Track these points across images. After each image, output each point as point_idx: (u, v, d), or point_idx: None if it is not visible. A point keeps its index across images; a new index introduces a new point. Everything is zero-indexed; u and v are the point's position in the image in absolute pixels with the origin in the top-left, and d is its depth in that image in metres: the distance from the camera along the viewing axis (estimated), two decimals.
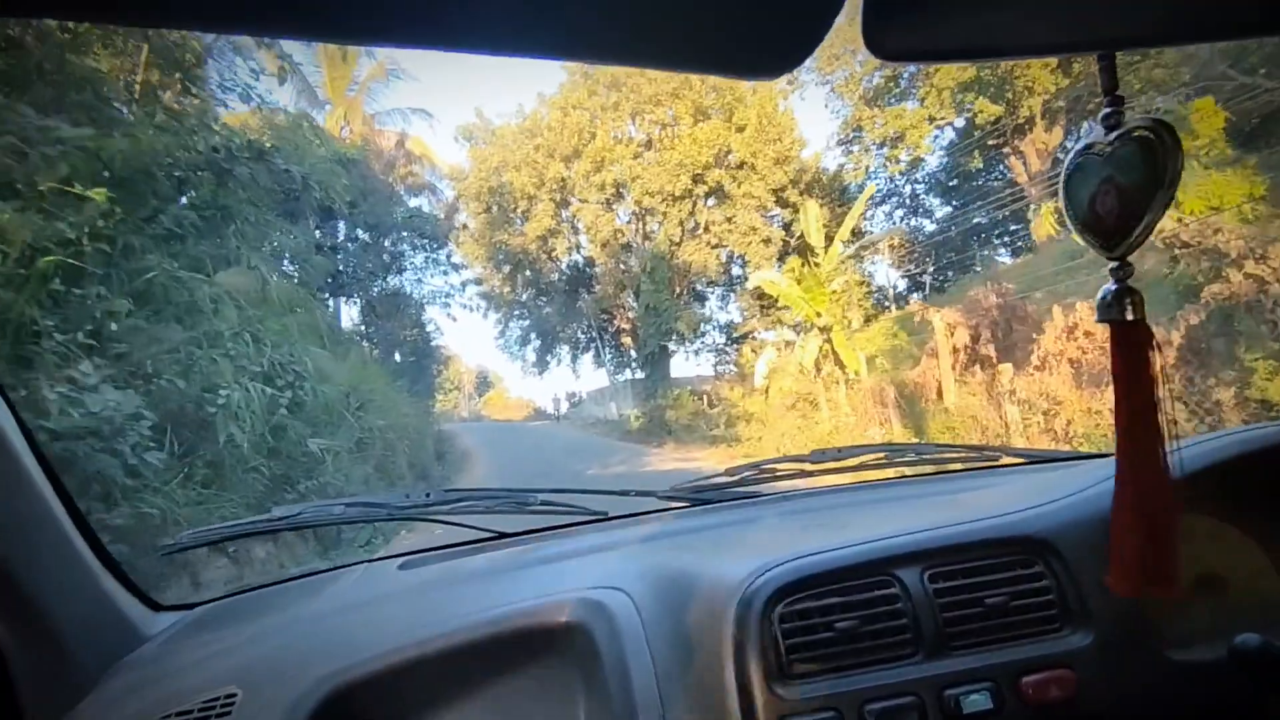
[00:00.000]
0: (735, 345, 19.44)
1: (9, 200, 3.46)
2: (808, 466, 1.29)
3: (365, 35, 0.35)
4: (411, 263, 16.73)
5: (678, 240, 18.64)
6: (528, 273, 20.94)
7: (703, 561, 0.99)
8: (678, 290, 18.94)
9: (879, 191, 20.05)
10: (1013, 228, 18.84)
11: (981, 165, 18.43)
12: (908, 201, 21.51)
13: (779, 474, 1.31)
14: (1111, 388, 0.53)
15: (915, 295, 18.94)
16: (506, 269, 20.82)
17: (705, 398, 15.98)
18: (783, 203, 18.49)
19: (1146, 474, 0.52)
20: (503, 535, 1.27)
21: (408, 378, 14.01)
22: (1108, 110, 0.50)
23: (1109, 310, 0.51)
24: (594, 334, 21.62)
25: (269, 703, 0.82)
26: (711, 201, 18.80)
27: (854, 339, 11.88)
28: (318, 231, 12.41)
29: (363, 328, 15.67)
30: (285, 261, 6.70)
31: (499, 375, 40.97)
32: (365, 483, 7.34)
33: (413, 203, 17.33)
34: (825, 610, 0.82)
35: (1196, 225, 5.38)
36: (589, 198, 18.78)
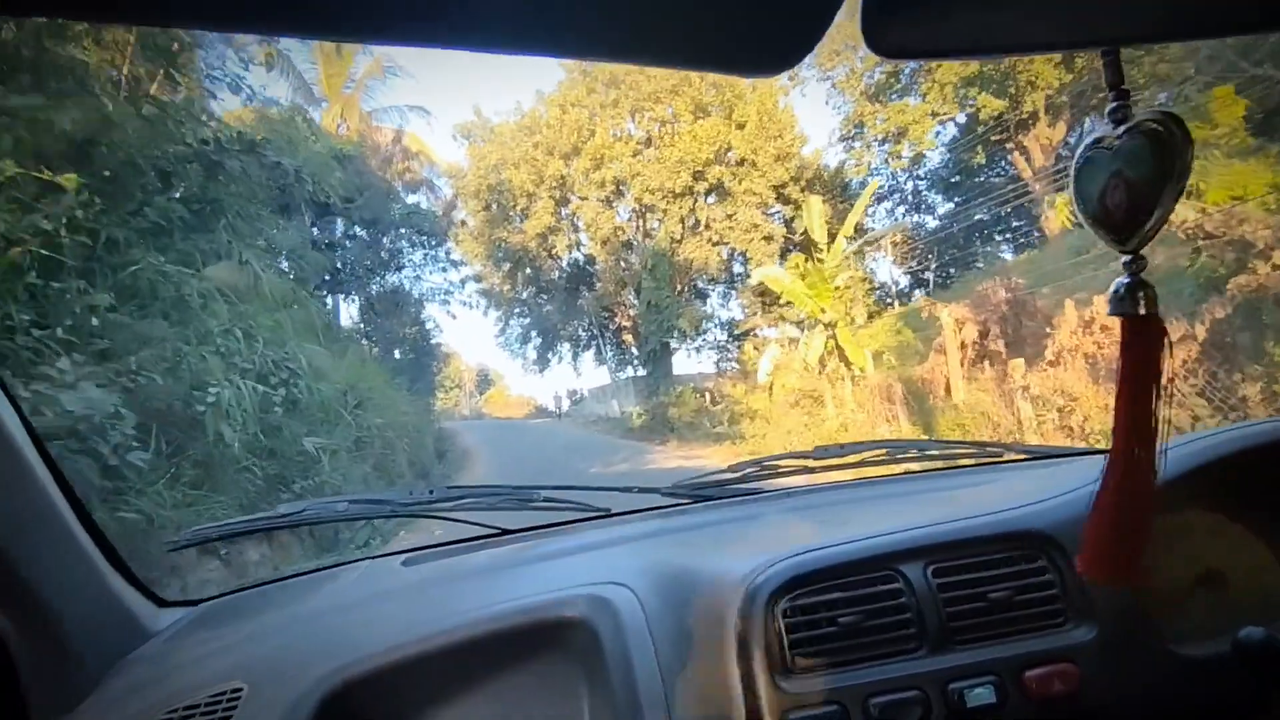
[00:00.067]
0: (737, 342, 19.34)
1: None
2: (810, 463, 1.30)
3: (364, 34, 0.34)
4: (410, 260, 16.62)
5: (679, 237, 18.53)
6: (528, 270, 20.83)
7: (706, 557, 0.99)
8: (679, 287, 18.83)
9: (881, 188, 19.91)
10: (1017, 223, 18.71)
11: (984, 161, 18.27)
12: (910, 198, 21.39)
13: (781, 470, 1.31)
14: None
15: (918, 292, 18.83)
16: (506, 267, 20.71)
17: (708, 395, 15.84)
18: (784, 199, 18.38)
19: (1135, 469, 0.52)
20: (505, 532, 1.27)
21: (407, 376, 13.89)
22: (1114, 104, 0.49)
23: (1121, 304, 0.50)
24: (595, 331, 21.50)
25: (274, 698, 0.82)
26: (712, 199, 18.70)
27: (858, 335, 11.72)
28: (315, 229, 12.27)
29: (362, 325, 15.55)
30: (280, 257, 6.53)
31: (500, 373, 40.89)
32: (364, 482, 7.22)
33: (410, 199, 17.19)
34: (829, 605, 0.83)
35: (1220, 216, 5.22)
36: (589, 195, 18.66)
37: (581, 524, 1.28)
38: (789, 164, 18.14)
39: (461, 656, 0.86)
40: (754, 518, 1.22)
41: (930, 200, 21.20)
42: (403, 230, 15.67)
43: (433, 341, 17.59)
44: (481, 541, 1.26)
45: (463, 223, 20.32)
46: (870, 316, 14.01)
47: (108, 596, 1.00)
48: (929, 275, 18.93)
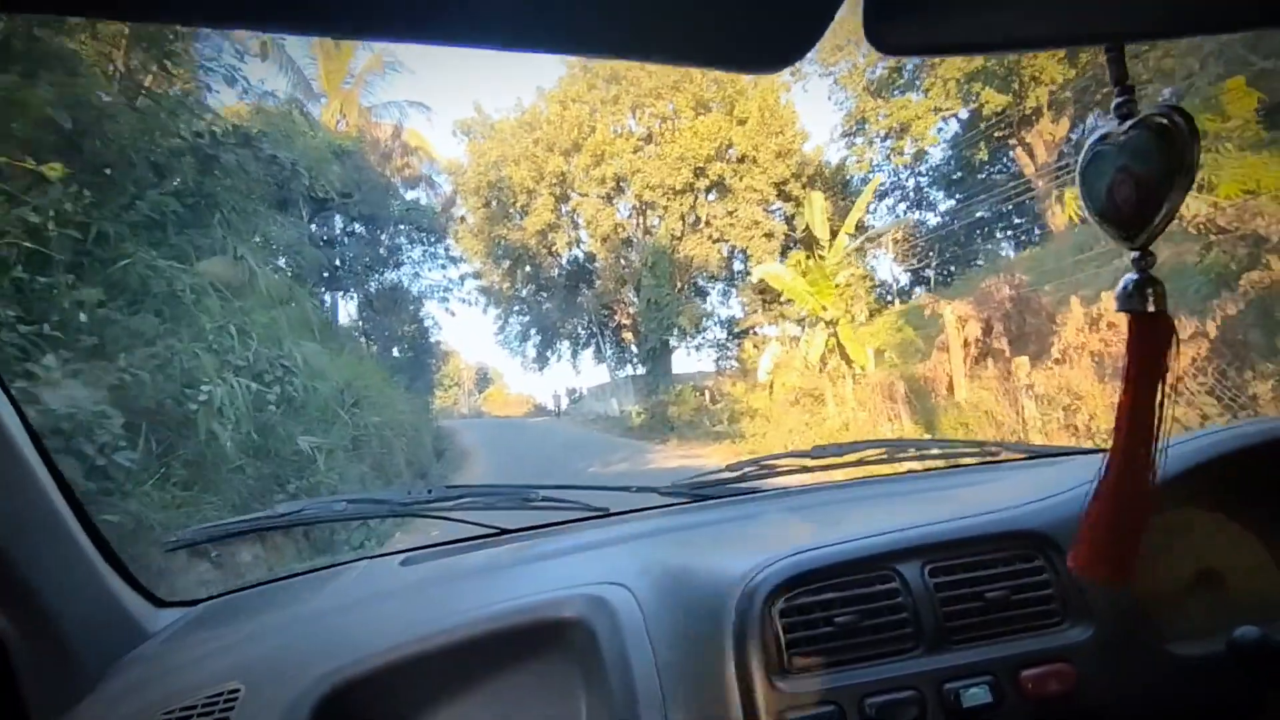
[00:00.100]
0: (737, 341, 19.29)
1: None
2: (808, 462, 1.30)
3: (364, 31, 0.34)
4: (409, 256, 16.57)
5: (679, 234, 18.48)
6: (527, 268, 20.79)
7: (704, 557, 1.00)
8: (679, 285, 18.78)
9: (883, 185, 19.83)
10: (1020, 220, 18.63)
11: (987, 157, 18.17)
12: (911, 195, 21.30)
13: (780, 470, 1.31)
14: None
15: (918, 289, 18.76)
16: (506, 264, 20.67)
17: (707, 393, 15.77)
18: (785, 196, 18.34)
19: (1134, 468, 0.52)
20: (504, 531, 1.27)
21: (405, 374, 13.84)
22: (1120, 100, 0.49)
23: (1129, 301, 0.50)
24: (594, 329, 21.45)
25: (272, 698, 0.82)
26: (713, 195, 18.67)
27: (859, 333, 11.63)
28: (313, 225, 12.17)
29: (360, 323, 15.47)
30: (276, 253, 6.43)
31: (499, 371, 40.85)
32: (361, 481, 7.15)
33: (410, 195, 17.11)
34: (826, 605, 0.83)
35: (1233, 210, 5.13)
36: (589, 192, 18.60)
37: (580, 524, 1.28)
38: (790, 161, 18.09)
39: (460, 656, 0.86)
40: (752, 517, 1.22)
41: (932, 197, 21.14)
42: (402, 226, 15.59)
43: (431, 339, 17.55)
44: (480, 541, 1.26)
45: (462, 219, 20.26)
46: (871, 314, 13.94)
47: (106, 597, 1.00)
48: (930, 273, 18.83)
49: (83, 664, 0.93)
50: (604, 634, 0.85)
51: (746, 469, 1.30)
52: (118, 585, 1.03)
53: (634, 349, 20.57)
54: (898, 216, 20.74)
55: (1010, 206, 17.77)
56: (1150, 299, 0.49)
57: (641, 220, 19.34)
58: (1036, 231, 17.65)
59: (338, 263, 13.88)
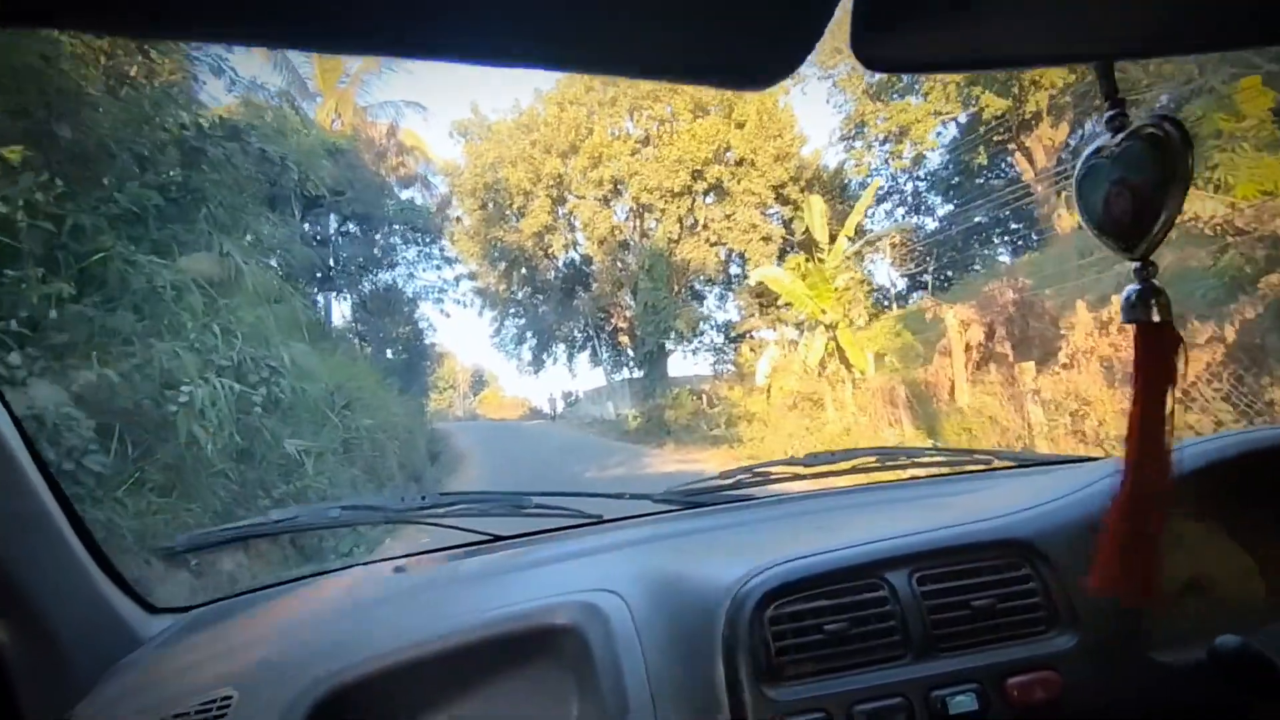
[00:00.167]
0: (733, 344, 19.19)
1: None
2: (801, 470, 1.32)
3: (351, 44, 0.34)
4: (404, 257, 16.37)
5: (676, 238, 18.38)
6: (524, 270, 20.66)
7: (695, 564, 1.01)
8: (676, 288, 18.66)
9: (881, 189, 19.73)
10: (1019, 225, 18.57)
11: (986, 162, 18.11)
12: (910, 199, 21.23)
13: (773, 477, 1.33)
14: None
15: (915, 294, 18.70)
16: (502, 266, 20.56)
17: (704, 397, 15.62)
18: (783, 200, 18.27)
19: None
20: (497, 538, 1.27)
21: (399, 376, 13.64)
22: (1111, 113, 0.49)
23: (1133, 311, 0.50)
24: (591, 332, 21.32)
25: (265, 705, 0.82)
26: (711, 198, 18.57)
27: (858, 337, 11.50)
28: (305, 224, 11.99)
29: (355, 324, 15.28)
30: (265, 250, 6.25)
31: (494, 374, 40.57)
32: (352, 485, 6.97)
33: (404, 195, 16.93)
34: (815, 612, 0.83)
35: (1251, 211, 5.01)
36: (586, 194, 18.49)
37: (573, 530, 1.28)
38: (788, 164, 18.04)
39: (453, 663, 0.86)
40: (744, 524, 1.24)
41: (930, 202, 21.08)
42: (396, 226, 15.40)
43: (426, 341, 17.37)
44: (473, 548, 1.26)
45: (458, 219, 20.12)
46: (871, 318, 13.84)
47: (99, 602, 1.00)
48: (927, 278, 18.77)
49: (76, 670, 0.93)
50: (596, 641, 0.85)
51: (740, 476, 1.31)
52: (111, 591, 1.03)
53: (630, 352, 20.46)
54: (896, 221, 20.68)
55: (1009, 211, 17.70)
56: (1155, 308, 0.49)
57: (639, 223, 19.24)
58: (1034, 237, 17.61)
59: (331, 262, 13.69)
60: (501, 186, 18.91)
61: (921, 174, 20.51)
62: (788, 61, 0.34)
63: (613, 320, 20.77)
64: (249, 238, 6.11)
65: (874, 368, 10.69)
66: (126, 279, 3.94)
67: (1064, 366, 6.35)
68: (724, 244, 18.34)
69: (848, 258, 12.07)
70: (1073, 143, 16.47)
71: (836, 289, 11.01)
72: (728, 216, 18.02)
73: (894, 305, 17.66)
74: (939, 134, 18.41)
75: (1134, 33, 0.39)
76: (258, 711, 0.82)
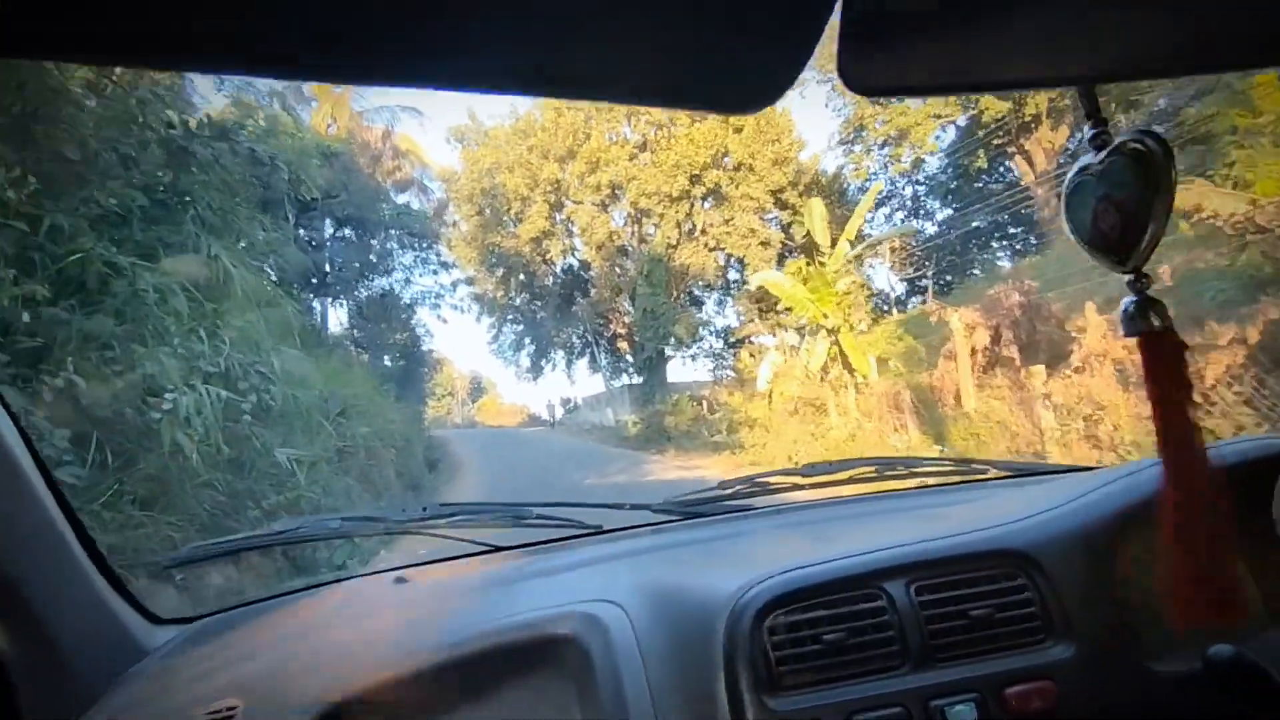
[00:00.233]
0: (733, 350, 19.08)
1: None
2: (800, 480, 1.33)
3: (343, 74, 0.36)
4: (400, 262, 16.23)
5: (675, 243, 18.31)
6: (521, 276, 20.57)
7: (695, 575, 1.02)
8: (675, 294, 18.56)
9: (880, 193, 19.63)
10: (1020, 228, 18.49)
11: (986, 165, 18.04)
12: (909, 203, 21.16)
13: (772, 487, 1.33)
14: None
15: (914, 299, 18.62)
16: (500, 272, 20.47)
17: (704, 403, 15.48)
18: (781, 204, 18.20)
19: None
20: (498, 549, 1.28)
21: (396, 383, 13.47)
22: (1093, 132, 0.50)
23: (1134, 323, 0.51)
24: (590, 338, 21.20)
25: (270, 715, 0.83)
26: (709, 203, 18.51)
27: (860, 342, 11.36)
28: (300, 229, 11.81)
29: (352, 331, 15.12)
30: (255, 254, 6.08)
31: (492, 381, 40.37)
32: (347, 495, 6.82)
33: (400, 199, 16.79)
34: (814, 623, 0.84)
35: (1273, 208, 4.87)
36: (584, 199, 18.40)
37: (573, 541, 1.29)
38: (787, 168, 18.00)
39: (454, 673, 0.86)
40: (744, 534, 1.25)
41: (929, 206, 21.01)
42: (392, 231, 15.25)
43: (423, 347, 17.23)
44: (473, 559, 1.27)
45: (455, 224, 20.03)
46: (874, 322, 13.72)
47: (104, 613, 1.00)
48: (927, 282, 18.68)
49: (81, 681, 0.93)
50: (597, 651, 0.86)
51: (738, 486, 1.32)
52: (116, 602, 1.02)
53: (629, 358, 20.36)
54: (895, 225, 20.60)
55: (1008, 215, 17.63)
56: (1154, 317, 0.49)
57: (637, 228, 19.17)
58: (1033, 241, 17.54)
59: (326, 268, 13.54)
60: (499, 192, 18.85)
61: (921, 178, 20.46)
62: (775, 87, 0.35)
63: (611, 326, 20.66)
64: (243, 244, 5.96)
65: (877, 373, 10.55)
66: (107, 282, 3.77)
67: (1076, 370, 6.20)
68: (722, 249, 18.28)
69: (848, 262, 11.95)
70: (1072, 146, 16.40)
71: (838, 293, 10.88)
72: (726, 221, 17.96)
73: (893, 310, 17.56)
74: (938, 137, 18.37)
75: (1116, 56, 0.40)
76: None
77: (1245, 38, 0.39)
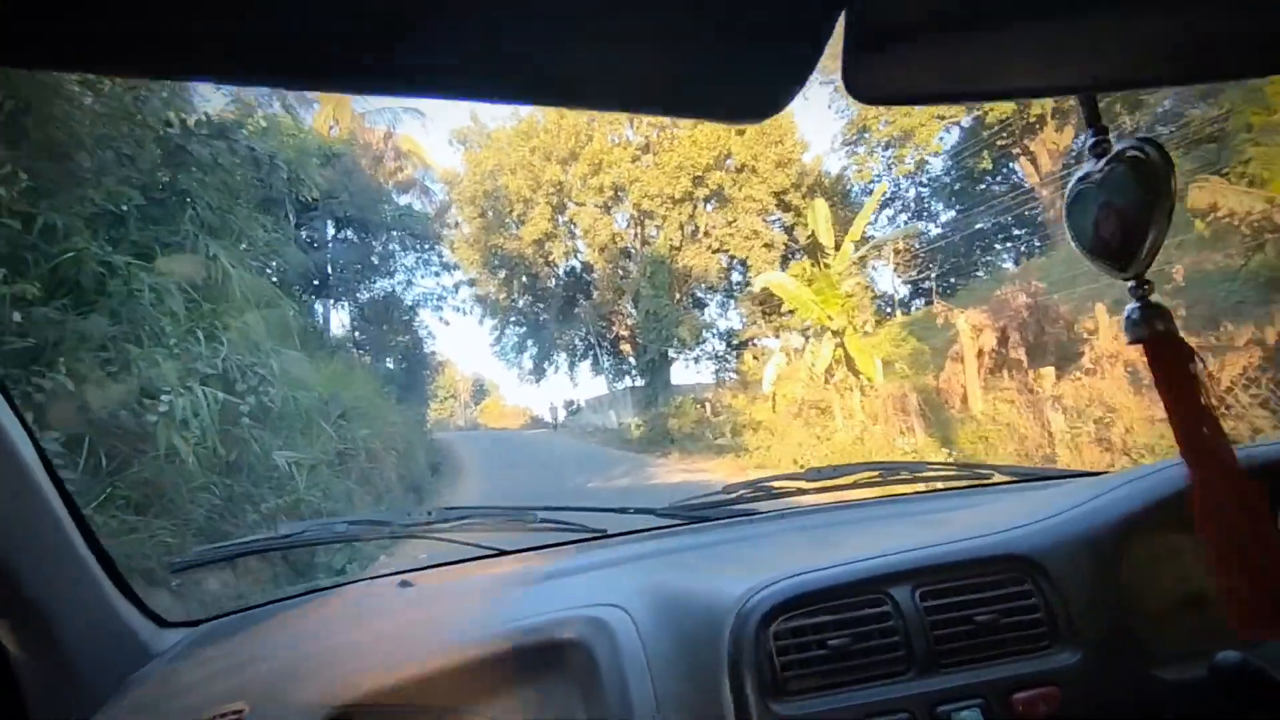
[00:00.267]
0: (736, 352, 19.01)
1: None
2: (804, 485, 1.33)
3: (343, 83, 0.36)
4: (402, 264, 16.14)
5: (678, 245, 18.27)
6: (524, 278, 20.54)
7: (700, 579, 1.03)
8: (678, 296, 18.50)
9: (884, 194, 19.55)
10: (1023, 230, 18.40)
11: (990, 166, 17.95)
12: (912, 205, 21.09)
13: (776, 491, 1.33)
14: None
15: (916, 301, 18.54)
16: (502, 274, 20.44)
17: (708, 406, 15.40)
18: (784, 206, 18.14)
19: (1231, 495, 0.48)
20: (503, 553, 1.28)
21: (398, 385, 13.39)
22: (1094, 140, 0.51)
23: (1137, 329, 0.51)
24: (592, 341, 21.14)
25: (276, 718, 0.83)
26: (712, 205, 18.46)
27: (865, 343, 11.26)
28: (301, 230, 11.75)
29: (354, 333, 15.06)
30: (255, 254, 6.00)
31: (495, 383, 40.32)
32: (348, 498, 6.74)
33: (402, 200, 16.73)
34: (819, 628, 0.84)
35: None
36: (586, 201, 18.36)
37: (578, 545, 1.29)
38: (790, 170, 17.96)
39: (459, 677, 0.87)
40: (748, 539, 1.25)
41: (933, 208, 20.93)
42: (394, 232, 15.18)
43: (426, 349, 17.14)
44: (479, 562, 1.27)
45: (457, 225, 20.00)
46: (879, 323, 13.63)
47: (111, 617, 1.00)
48: (930, 284, 18.59)
49: (89, 683, 0.93)
50: (602, 656, 0.86)
51: (743, 491, 1.32)
52: (123, 605, 1.03)
53: (632, 360, 20.30)
54: (898, 227, 20.52)
55: (1012, 216, 17.53)
56: (1158, 322, 0.50)
57: (640, 230, 19.12)
58: (1037, 242, 17.44)
59: (328, 269, 13.48)
60: (501, 194, 18.84)
61: (925, 179, 20.39)
62: (781, 96, 0.35)
63: (614, 328, 20.61)
64: (243, 244, 5.88)
65: (882, 375, 10.45)
66: (102, 281, 3.70)
67: (1086, 372, 6.11)
68: (726, 251, 18.24)
69: (854, 263, 11.87)
70: (1077, 146, 16.30)
71: (843, 295, 10.79)
72: (729, 223, 17.92)
73: (896, 312, 17.47)
74: (942, 138, 18.29)
75: (1118, 65, 0.40)
76: None
77: (1246, 45, 0.39)
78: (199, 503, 3.93)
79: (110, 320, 3.66)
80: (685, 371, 21.70)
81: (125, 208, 4.12)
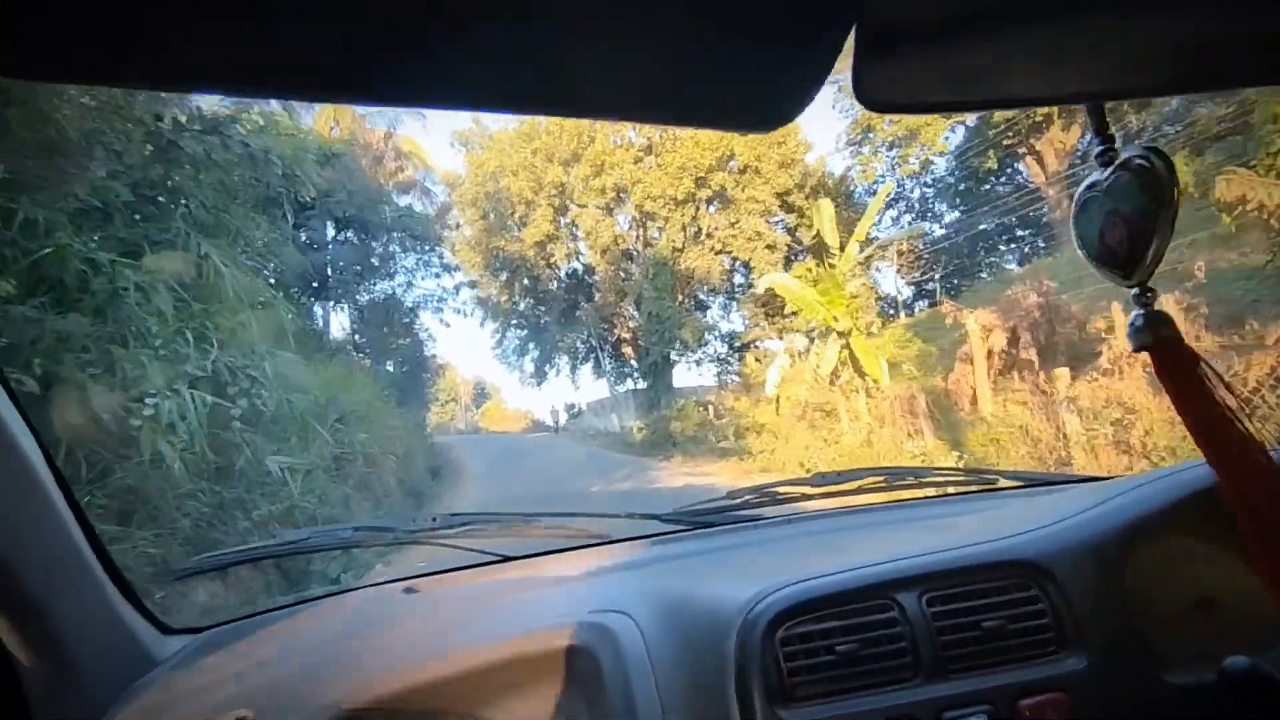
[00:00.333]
0: (738, 354, 18.87)
1: None
2: (809, 490, 1.32)
3: (346, 95, 0.35)
4: (402, 265, 16.01)
5: (680, 246, 18.15)
6: (525, 280, 20.43)
7: (705, 585, 1.02)
8: (680, 298, 18.37)
9: (889, 195, 19.41)
10: (1028, 231, 18.26)
11: (996, 166, 17.80)
12: (917, 205, 20.94)
13: (780, 497, 1.32)
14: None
15: (921, 303, 18.39)
16: (504, 276, 20.33)
17: (710, 408, 15.25)
18: (787, 207, 18.02)
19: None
20: (506, 559, 1.28)
21: (398, 388, 13.26)
22: (1100, 149, 0.51)
23: (1141, 337, 0.51)
24: (594, 343, 21.00)
25: None
26: (714, 207, 18.33)
27: (871, 345, 11.09)
28: (299, 231, 11.62)
29: (354, 336, 14.92)
30: (251, 253, 5.85)
31: (496, 386, 40.17)
32: (345, 504, 6.61)
33: (402, 201, 16.62)
34: (826, 634, 0.84)
35: None
36: (588, 203, 18.25)
37: (582, 551, 1.29)
38: (793, 171, 17.83)
39: (464, 684, 0.87)
40: (753, 544, 1.24)
41: (938, 208, 20.78)
42: (395, 234, 15.05)
43: (426, 352, 17.00)
44: (483, 569, 1.27)
45: (458, 227, 19.91)
46: (884, 324, 13.48)
47: (115, 623, 0.99)
48: (934, 284, 18.44)
49: (92, 690, 0.93)
50: (607, 662, 0.86)
51: (748, 496, 1.31)
52: (127, 611, 1.02)
53: (634, 363, 20.16)
54: (903, 227, 20.38)
55: (1017, 217, 17.39)
56: (1163, 329, 0.50)
57: (642, 232, 19.00)
58: (1042, 243, 17.30)
59: (327, 271, 13.35)
60: (503, 196, 18.75)
61: (930, 179, 20.25)
62: (792, 106, 0.35)
63: (616, 330, 20.48)
64: (240, 244, 5.74)
65: (888, 377, 10.29)
66: (85, 279, 3.55)
67: (1104, 373, 5.94)
68: (728, 252, 18.11)
69: (859, 264, 11.72)
70: (1083, 146, 16.16)
71: (848, 296, 10.63)
72: (732, 224, 17.80)
73: (900, 313, 17.31)
74: (947, 138, 18.14)
75: (1126, 74, 0.40)
76: None
77: (1252, 54, 0.39)
78: (186, 510, 3.77)
79: (93, 319, 3.51)
80: (688, 374, 21.59)
81: (112, 204, 3.97)
